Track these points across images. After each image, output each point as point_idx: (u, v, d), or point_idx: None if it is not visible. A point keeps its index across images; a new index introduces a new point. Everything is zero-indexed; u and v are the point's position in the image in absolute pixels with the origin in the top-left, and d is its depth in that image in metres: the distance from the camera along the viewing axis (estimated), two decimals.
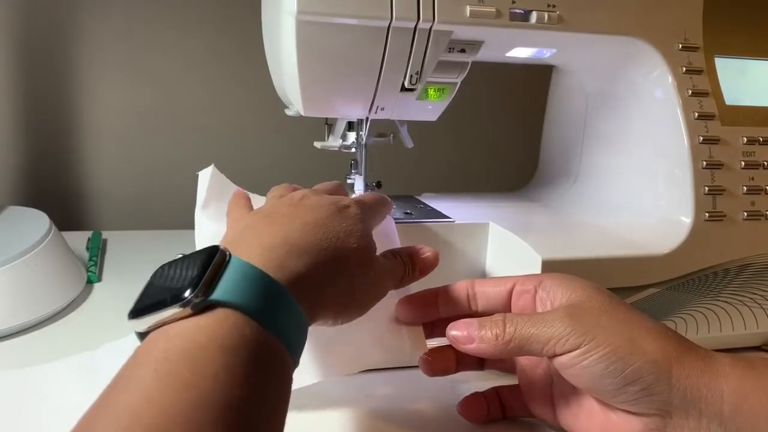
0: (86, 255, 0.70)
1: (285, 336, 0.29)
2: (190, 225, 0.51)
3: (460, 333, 0.38)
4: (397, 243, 0.48)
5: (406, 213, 0.54)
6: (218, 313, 0.28)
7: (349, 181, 0.57)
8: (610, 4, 0.51)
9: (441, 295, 0.42)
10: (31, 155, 0.87)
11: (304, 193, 0.41)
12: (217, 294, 0.28)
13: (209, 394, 0.24)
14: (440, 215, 0.54)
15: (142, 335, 0.29)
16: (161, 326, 0.28)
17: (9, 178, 0.87)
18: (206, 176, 0.49)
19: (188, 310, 0.28)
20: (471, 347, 0.37)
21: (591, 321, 0.35)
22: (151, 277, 0.31)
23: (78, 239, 0.73)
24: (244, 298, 0.28)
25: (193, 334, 0.27)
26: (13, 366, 0.47)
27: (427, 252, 0.42)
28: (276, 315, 0.29)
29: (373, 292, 0.38)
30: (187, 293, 0.28)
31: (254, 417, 0.26)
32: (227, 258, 0.30)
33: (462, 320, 0.38)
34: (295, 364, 0.31)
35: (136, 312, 0.29)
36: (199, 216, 0.48)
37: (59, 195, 0.89)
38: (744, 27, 0.56)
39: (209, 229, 0.47)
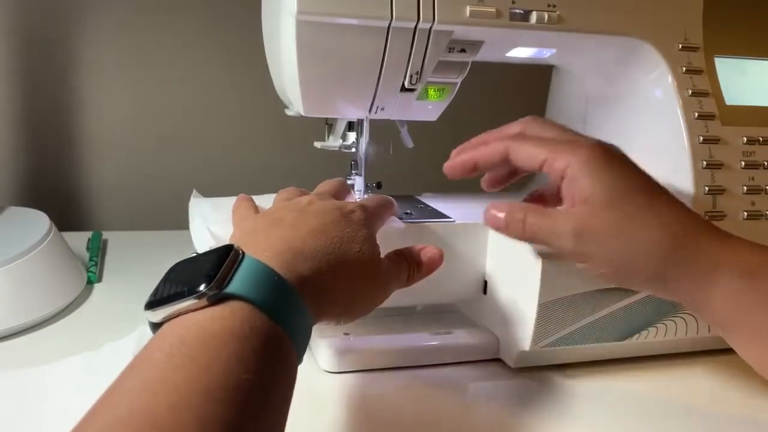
0: (86, 255, 0.70)
1: (291, 331, 0.31)
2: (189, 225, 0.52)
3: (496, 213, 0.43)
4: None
5: (406, 213, 0.54)
6: (231, 305, 0.30)
7: (349, 182, 0.57)
8: (610, 4, 0.51)
9: (480, 161, 0.45)
10: (32, 155, 0.87)
11: (310, 198, 0.42)
12: (231, 288, 0.30)
13: (221, 377, 0.26)
14: (440, 215, 0.54)
15: (155, 326, 0.31)
16: (176, 317, 0.30)
17: (9, 178, 0.87)
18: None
19: (204, 302, 0.29)
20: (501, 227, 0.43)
21: (593, 240, 0.38)
22: (167, 273, 0.33)
23: (78, 239, 0.73)
24: (255, 293, 0.30)
25: (208, 324, 0.29)
26: (13, 366, 0.47)
27: (431, 251, 0.43)
28: (284, 310, 0.31)
29: (376, 294, 0.40)
30: (202, 286, 0.29)
31: (262, 400, 0.28)
32: (241, 256, 0.32)
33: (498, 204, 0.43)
34: (300, 359, 0.32)
35: (153, 303, 0.31)
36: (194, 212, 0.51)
37: (59, 195, 0.89)
38: (744, 27, 0.56)
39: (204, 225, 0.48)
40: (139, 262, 0.69)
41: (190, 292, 0.29)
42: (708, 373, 0.52)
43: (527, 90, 0.89)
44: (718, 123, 0.53)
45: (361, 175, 0.56)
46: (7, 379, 0.45)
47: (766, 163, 0.53)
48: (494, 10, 0.47)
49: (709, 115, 0.53)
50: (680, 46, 0.53)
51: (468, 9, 0.46)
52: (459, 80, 0.52)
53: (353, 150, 0.56)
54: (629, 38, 0.52)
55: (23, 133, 0.86)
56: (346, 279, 0.37)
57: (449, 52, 0.50)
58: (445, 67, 0.51)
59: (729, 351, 0.41)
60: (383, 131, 0.56)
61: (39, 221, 0.62)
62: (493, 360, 0.52)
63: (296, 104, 0.52)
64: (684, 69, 0.53)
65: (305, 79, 0.48)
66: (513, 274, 0.50)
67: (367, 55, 0.47)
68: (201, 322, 0.29)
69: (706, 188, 0.51)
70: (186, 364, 0.26)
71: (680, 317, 0.52)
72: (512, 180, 0.48)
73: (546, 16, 0.48)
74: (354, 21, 0.45)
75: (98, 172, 0.89)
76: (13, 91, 0.85)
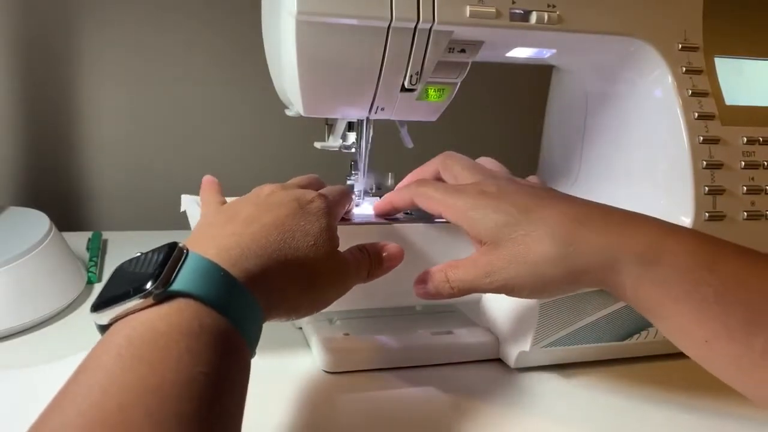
0: (86, 255, 0.70)
1: (241, 325, 0.31)
2: (189, 226, 0.51)
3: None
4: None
5: (406, 213, 0.54)
6: (178, 303, 0.29)
7: (349, 182, 0.57)
8: (610, 4, 0.51)
9: (396, 204, 0.49)
10: (31, 156, 0.87)
11: (272, 189, 0.41)
12: (177, 285, 0.30)
13: (173, 373, 0.26)
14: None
15: (103, 328, 0.31)
16: (123, 317, 0.30)
17: (9, 179, 0.87)
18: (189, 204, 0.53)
19: (150, 301, 0.29)
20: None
21: (503, 273, 0.39)
22: (113, 274, 0.33)
23: (78, 239, 0.73)
24: (201, 289, 0.30)
25: (155, 322, 0.28)
26: (13, 366, 0.47)
27: (392, 248, 0.43)
28: (232, 305, 0.31)
29: (332, 289, 0.39)
30: (148, 285, 0.29)
31: (217, 393, 0.27)
32: (185, 254, 0.32)
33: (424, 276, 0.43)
34: (252, 354, 0.32)
35: (99, 305, 0.31)
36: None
37: (59, 195, 0.89)
38: (744, 27, 0.56)
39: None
40: None
41: (136, 291, 0.29)
42: (708, 372, 0.52)
43: (527, 90, 0.89)
44: (717, 123, 0.53)
45: (361, 176, 0.56)
46: (7, 379, 0.45)
47: (766, 163, 0.53)
48: (494, 10, 0.47)
49: (708, 115, 0.53)
50: (680, 46, 0.53)
51: (468, 9, 0.46)
52: (459, 80, 0.52)
53: (353, 150, 0.56)
54: (629, 38, 0.52)
55: (23, 134, 0.87)
56: (298, 275, 0.36)
57: (449, 52, 0.50)
58: (445, 67, 0.51)
59: None
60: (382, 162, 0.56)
61: (39, 221, 0.62)
62: (493, 360, 0.52)
63: (296, 104, 0.52)
64: (684, 69, 0.53)
65: (305, 79, 0.48)
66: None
67: (367, 55, 0.47)
68: (148, 321, 0.28)
69: (706, 188, 0.51)
70: (135, 364, 0.26)
71: None
72: None
73: (546, 17, 0.48)
74: (354, 21, 0.45)
75: (98, 172, 0.89)
76: (14, 92, 0.85)
